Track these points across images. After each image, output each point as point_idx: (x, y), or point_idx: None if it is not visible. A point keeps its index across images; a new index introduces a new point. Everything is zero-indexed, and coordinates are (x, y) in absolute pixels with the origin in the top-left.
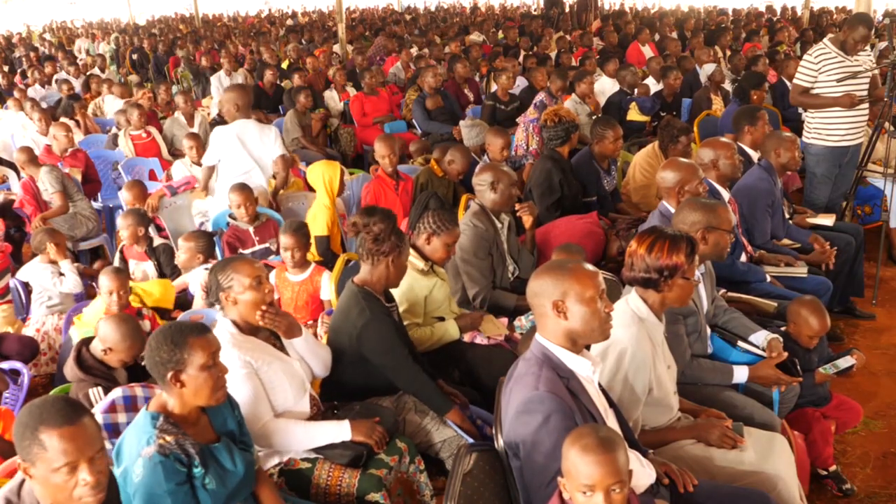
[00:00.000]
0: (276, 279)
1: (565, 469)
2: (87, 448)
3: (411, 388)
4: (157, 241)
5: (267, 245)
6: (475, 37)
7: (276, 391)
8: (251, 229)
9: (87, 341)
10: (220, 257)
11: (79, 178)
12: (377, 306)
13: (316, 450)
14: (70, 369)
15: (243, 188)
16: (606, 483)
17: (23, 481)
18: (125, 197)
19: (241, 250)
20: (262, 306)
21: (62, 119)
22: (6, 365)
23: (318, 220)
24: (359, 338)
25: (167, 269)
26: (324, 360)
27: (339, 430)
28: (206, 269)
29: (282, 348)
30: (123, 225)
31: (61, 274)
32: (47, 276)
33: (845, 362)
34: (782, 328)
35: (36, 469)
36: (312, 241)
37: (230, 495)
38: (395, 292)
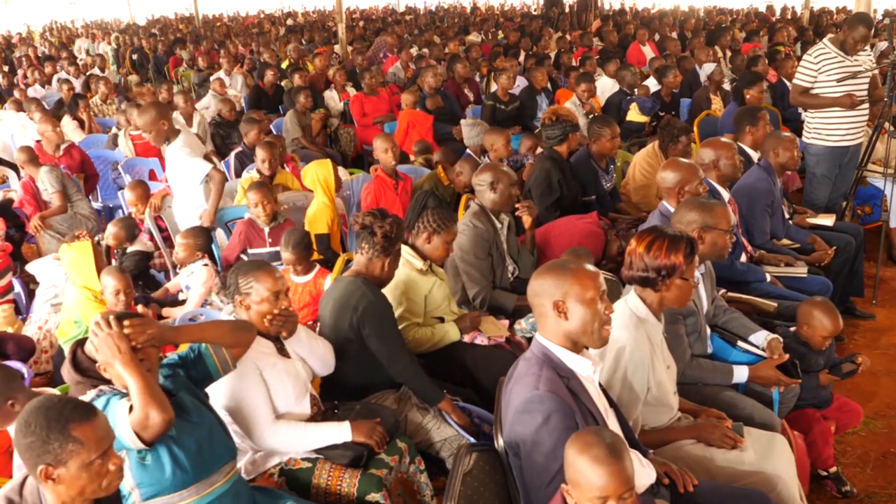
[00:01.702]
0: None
1: (572, 479)
2: (110, 435)
3: (405, 375)
4: (130, 248)
5: (278, 249)
6: (473, 37)
7: (278, 392)
8: (266, 230)
9: (81, 342)
10: (216, 253)
11: (81, 180)
12: (378, 291)
13: (316, 450)
14: (67, 372)
15: (261, 186)
16: (619, 492)
17: (24, 481)
18: (128, 197)
19: (248, 249)
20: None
21: (65, 118)
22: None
23: (318, 219)
24: (360, 321)
25: (133, 272)
26: (323, 358)
27: (339, 432)
28: (205, 264)
29: (282, 349)
30: (112, 232)
31: None
32: (61, 273)
33: (848, 367)
34: (791, 328)
35: (67, 468)
36: (313, 239)
37: (200, 450)
38: (394, 292)
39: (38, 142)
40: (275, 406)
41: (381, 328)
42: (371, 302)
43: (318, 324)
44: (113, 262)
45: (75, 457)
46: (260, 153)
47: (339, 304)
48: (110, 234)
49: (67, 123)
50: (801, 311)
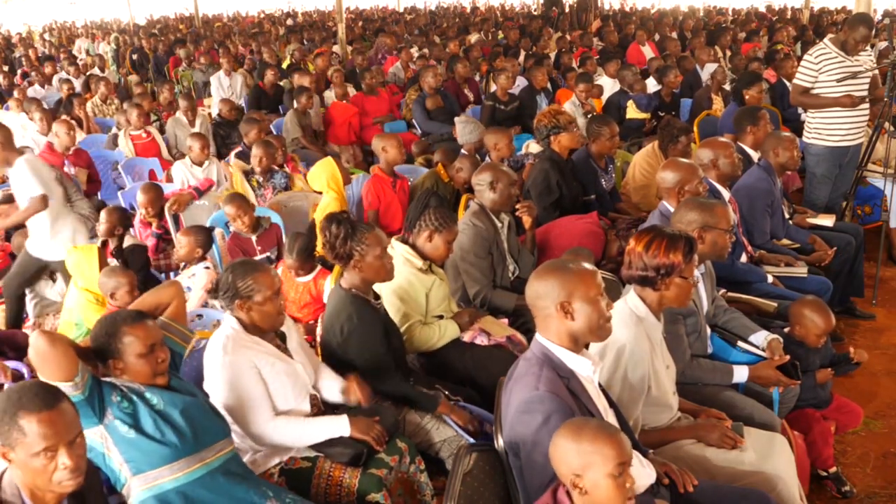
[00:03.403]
0: (283, 277)
1: (580, 465)
2: (67, 432)
3: (396, 393)
4: (128, 241)
5: (268, 254)
6: (473, 37)
7: (277, 391)
8: (254, 238)
9: None
10: (217, 259)
11: (84, 178)
12: (365, 311)
13: (316, 448)
14: None
15: (235, 198)
16: (628, 457)
17: (3, 473)
18: (140, 199)
19: None
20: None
21: (63, 117)
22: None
23: (328, 212)
24: (344, 345)
25: (134, 268)
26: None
27: (337, 425)
28: (207, 266)
29: (286, 350)
30: (104, 219)
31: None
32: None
33: (847, 361)
34: (786, 329)
35: (16, 454)
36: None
37: (190, 424)
38: (398, 292)
39: (49, 143)
40: (274, 404)
41: (364, 353)
42: (354, 327)
43: (318, 324)
44: (110, 260)
45: (19, 445)
46: (256, 151)
47: (329, 321)
48: (106, 220)
49: None
50: (792, 312)
